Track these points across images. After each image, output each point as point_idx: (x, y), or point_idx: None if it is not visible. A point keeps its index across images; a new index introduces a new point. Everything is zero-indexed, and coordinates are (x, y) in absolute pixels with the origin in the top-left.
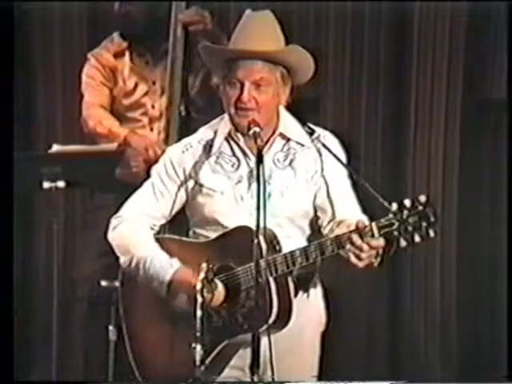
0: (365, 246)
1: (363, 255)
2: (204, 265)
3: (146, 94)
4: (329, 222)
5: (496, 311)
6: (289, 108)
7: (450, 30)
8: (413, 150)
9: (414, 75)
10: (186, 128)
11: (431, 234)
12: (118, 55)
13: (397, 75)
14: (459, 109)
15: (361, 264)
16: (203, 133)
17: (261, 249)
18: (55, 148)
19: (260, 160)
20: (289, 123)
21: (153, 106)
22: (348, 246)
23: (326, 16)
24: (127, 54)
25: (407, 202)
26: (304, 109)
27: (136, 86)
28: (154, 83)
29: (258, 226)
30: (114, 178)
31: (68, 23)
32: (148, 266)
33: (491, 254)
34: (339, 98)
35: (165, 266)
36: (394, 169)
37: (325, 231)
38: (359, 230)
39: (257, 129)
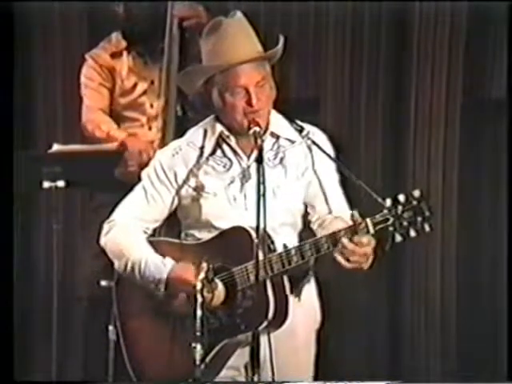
0: (356, 249)
1: (352, 258)
2: (204, 264)
3: (144, 93)
4: (319, 218)
5: (496, 311)
6: (288, 107)
7: (449, 31)
8: (413, 150)
9: (414, 75)
10: (183, 128)
11: (426, 228)
12: (116, 55)
13: (397, 75)
14: (459, 109)
15: (348, 265)
16: (192, 135)
17: (257, 249)
18: (55, 148)
19: (261, 160)
20: (278, 121)
21: (151, 106)
22: (339, 246)
23: (326, 16)
24: (125, 54)
25: (401, 198)
26: (304, 109)
27: (135, 85)
28: (152, 83)
29: (258, 226)
30: (113, 178)
31: (68, 23)
32: (143, 269)
33: (491, 253)
34: (339, 97)
35: (159, 266)
36: (394, 169)
37: (315, 227)
38: (354, 227)
39: (257, 128)
